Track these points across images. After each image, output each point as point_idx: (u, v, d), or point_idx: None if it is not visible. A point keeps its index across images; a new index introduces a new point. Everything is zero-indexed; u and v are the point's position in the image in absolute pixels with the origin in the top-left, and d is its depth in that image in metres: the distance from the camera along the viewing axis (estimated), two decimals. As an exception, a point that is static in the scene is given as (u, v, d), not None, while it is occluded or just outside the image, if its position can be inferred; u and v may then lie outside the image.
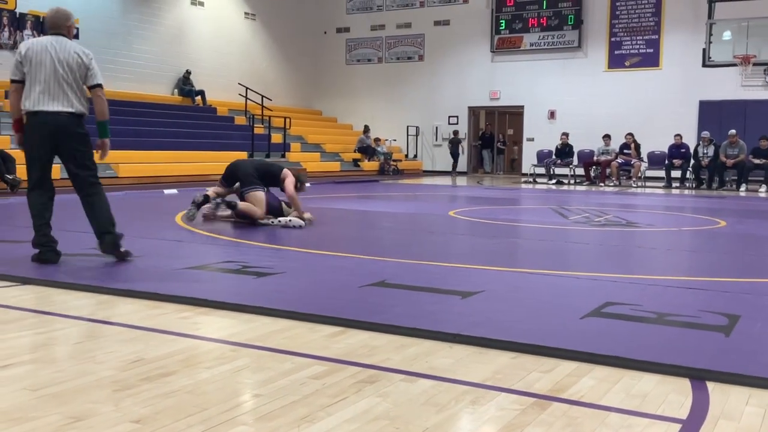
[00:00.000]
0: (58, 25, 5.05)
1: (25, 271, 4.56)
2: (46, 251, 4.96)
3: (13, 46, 15.71)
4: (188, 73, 19.91)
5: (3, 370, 2.72)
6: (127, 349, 3.04)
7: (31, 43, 4.99)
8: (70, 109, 4.92)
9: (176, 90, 19.87)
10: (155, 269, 4.89)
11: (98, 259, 5.16)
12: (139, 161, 14.39)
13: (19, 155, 11.84)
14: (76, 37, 18.85)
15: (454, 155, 22.66)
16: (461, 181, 19.37)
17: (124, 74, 18.10)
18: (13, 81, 4.94)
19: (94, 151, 5.16)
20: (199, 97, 20.01)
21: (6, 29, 15.61)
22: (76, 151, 5.01)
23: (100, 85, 5.06)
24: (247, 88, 20.41)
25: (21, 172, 11.48)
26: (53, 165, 5.10)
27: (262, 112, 19.73)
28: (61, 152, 5.01)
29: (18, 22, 15.81)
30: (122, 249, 5.09)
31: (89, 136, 5.09)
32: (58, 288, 4.21)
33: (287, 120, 19.71)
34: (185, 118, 18.39)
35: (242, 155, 17.25)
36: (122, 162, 14.20)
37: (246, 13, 22.18)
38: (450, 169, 22.69)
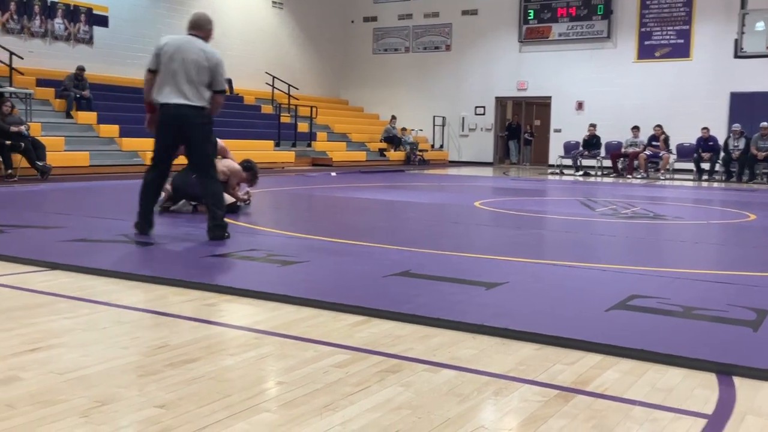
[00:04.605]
0: (198, 26, 5.59)
1: (54, 257, 4.62)
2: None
3: (44, 35, 15.89)
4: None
5: (31, 353, 2.76)
6: (153, 334, 3.07)
7: (169, 38, 5.53)
8: (190, 102, 5.39)
9: (204, 78, 19.93)
10: (182, 256, 4.93)
11: (127, 246, 5.22)
12: (166, 149, 14.48)
13: (48, 142, 12.00)
14: (105, 25, 18.72)
15: (512, 145, 22.96)
16: (508, 172, 19.27)
17: (152, 63, 18.22)
18: (149, 70, 5.49)
19: None
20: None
21: (37, 18, 15.77)
22: (194, 140, 5.49)
23: (222, 92, 5.60)
24: (274, 77, 20.46)
25: (51, 158, 11.62)
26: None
27: (289, 101, 19.77)
28: (184, 140, 5.48)
29: (49, 10, 15.97)
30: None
31: (209, 127, 5.59)
32: (86, 274, 4.26)
33: (314, 109, 19.74)
34: (212, 106, 18.44)
35: (269, 144, 17.36)
36: (150, 150, 14.30)
37: (273, 2, 22.21)
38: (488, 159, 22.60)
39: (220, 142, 7.56)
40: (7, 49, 13.93)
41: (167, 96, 5.38)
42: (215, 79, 5.49)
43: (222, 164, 7.08)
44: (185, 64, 5.37)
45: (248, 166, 7.65)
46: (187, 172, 7.17)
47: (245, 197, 7.68)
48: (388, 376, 2.61)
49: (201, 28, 5.59)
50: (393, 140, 21.62)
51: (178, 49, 5.40)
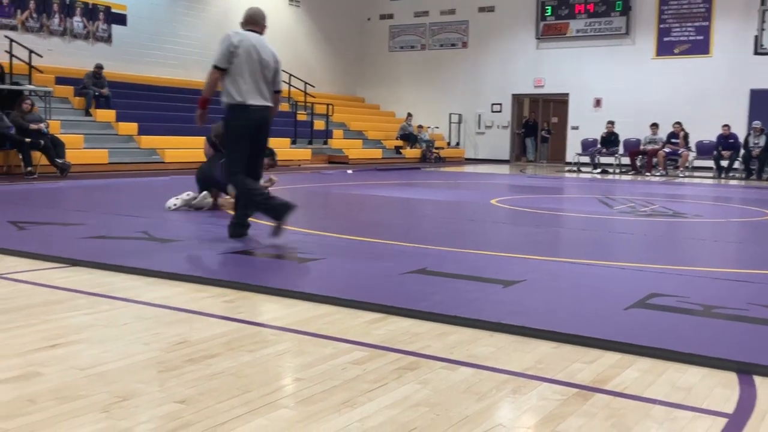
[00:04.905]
0: (254, 21, 5.51)
1: (74, 254, 4.65)
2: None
3: (63, 33, 16.01)
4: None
5: (52, 349, 2.79)
6: (172, 331, 3.09)
7: (241, 35, 5.34)
8: (269, 103, 5.38)
9: (221, 76, 19.99)
10: (200, 253, 4.95)
11: (146, 243, 5.25)
12: (184, 146, 14.58)
13: (68, 140, 12.08)
14: (124, 24, 18.79)
15: (529, 142, 22.89)
16: (530, 170, 19.21)
17: (170, 61, 18.31)
18: (219, 68, 5.28)
19: None
20: (243, 84, 20.10)
21: (56, 16, 15.90)
22: (266, 141, 5.50)
23: (280, 91, 5.61)
24: (290, 75, 20.49)
25: (70, 156, 11.71)
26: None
27: (305, 98, 19.81)
28: (258, 142, 5.40)
29: (68, 9, 16.09)
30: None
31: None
32: (105, 270, 4.29)
33: (330, 107, 19.76)
34: (229, 104, 18.50)
35: (285, 141, 17.40)
36: (168, 147, 14.40)
37: (290, 0, 22.25)
38: (505, 157, 22.52)
39: None
40: (26, 47, 14.05)
41: (250, 97, 5.24)
42: (276, 79, 5.47)
43: None
44: (261, 64, 5.28)
45: None
46: (213, 162, 7.26)
47: (267, 184, 7.74)
48: (406, 373, 2.61)
49: (257, 23, 5.50)
50: (409, 138, 21.60)
51: (254, 47, 5.27)
